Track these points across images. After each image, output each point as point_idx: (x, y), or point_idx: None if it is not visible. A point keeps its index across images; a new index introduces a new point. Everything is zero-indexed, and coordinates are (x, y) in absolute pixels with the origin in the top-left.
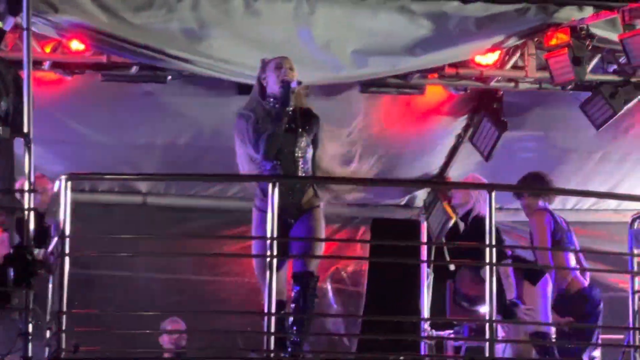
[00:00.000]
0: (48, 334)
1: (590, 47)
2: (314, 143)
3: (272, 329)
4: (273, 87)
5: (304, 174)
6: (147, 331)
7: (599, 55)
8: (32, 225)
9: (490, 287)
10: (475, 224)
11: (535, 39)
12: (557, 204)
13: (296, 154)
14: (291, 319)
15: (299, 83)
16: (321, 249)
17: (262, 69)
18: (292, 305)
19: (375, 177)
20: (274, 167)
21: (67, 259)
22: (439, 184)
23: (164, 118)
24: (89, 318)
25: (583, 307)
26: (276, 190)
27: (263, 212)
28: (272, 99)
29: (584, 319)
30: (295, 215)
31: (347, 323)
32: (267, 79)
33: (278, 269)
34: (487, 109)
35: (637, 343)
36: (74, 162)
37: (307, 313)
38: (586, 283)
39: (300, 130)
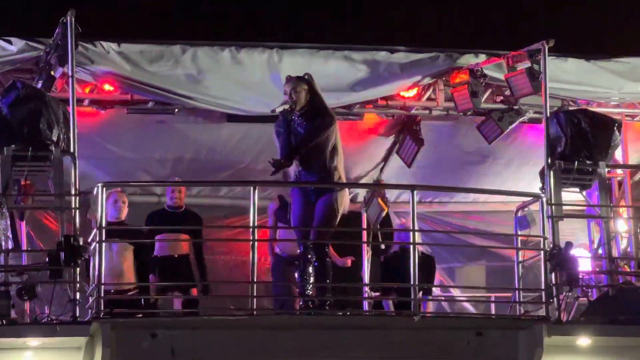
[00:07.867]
0: (90, 300)
1: (483, 84)
2: None
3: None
4: None
5: None
6: (161, 296)
7: (490, 90)
8: (78, 220)
9: (413, 261)
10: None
11: (444, 78)
12: (460, 197)
13: None
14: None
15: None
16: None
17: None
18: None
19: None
20: None
21: (103, 245)
22: (374, 185)
23: (173, 139)
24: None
25: None
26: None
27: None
28: None
29: None
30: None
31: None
32: None
33: None
34: (409, 130)
35: (520, 299)
36: (107, 172)
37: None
38: None
39: None
